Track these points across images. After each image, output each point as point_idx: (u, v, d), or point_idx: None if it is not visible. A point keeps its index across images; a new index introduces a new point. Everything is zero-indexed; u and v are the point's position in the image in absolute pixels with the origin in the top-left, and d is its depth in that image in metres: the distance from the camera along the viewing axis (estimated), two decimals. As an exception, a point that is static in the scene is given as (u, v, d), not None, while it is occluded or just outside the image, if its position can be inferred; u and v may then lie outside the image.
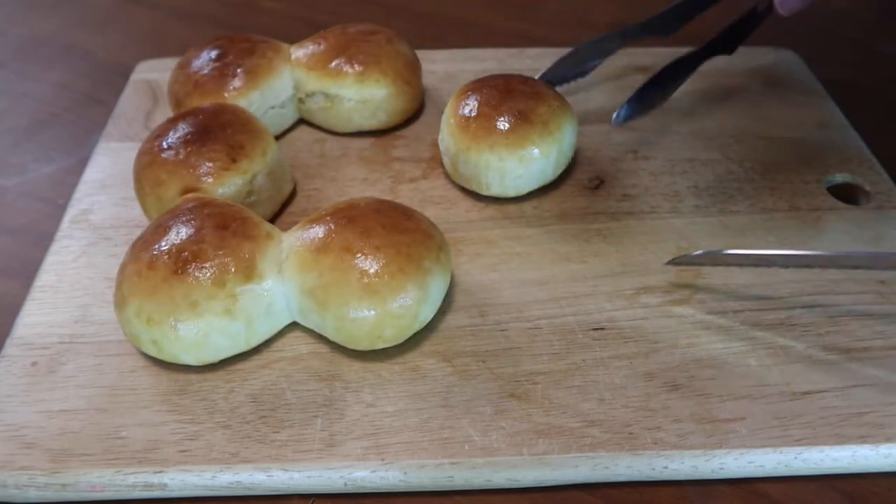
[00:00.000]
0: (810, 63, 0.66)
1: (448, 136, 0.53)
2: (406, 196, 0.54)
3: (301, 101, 0.59)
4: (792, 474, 0.40)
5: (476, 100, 0.52)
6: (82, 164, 0.58)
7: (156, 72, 0.65)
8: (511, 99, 0.52)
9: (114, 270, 0.47)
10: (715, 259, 0.47)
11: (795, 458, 0.39)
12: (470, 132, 0.51)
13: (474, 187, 0.53)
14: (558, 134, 0.52)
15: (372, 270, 0.41)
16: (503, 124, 0.51)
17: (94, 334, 0.45)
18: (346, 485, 0.39)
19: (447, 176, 0.55)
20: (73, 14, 0.79)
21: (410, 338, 0.44)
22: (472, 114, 0.52)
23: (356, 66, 0.57)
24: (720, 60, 0.66)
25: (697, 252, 0.47)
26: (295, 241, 0.44)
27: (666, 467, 0.39)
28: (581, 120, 0.60)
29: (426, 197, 0.54)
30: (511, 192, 0.53)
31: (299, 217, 0.53)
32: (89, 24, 0.77)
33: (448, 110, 0.54)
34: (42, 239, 0.52)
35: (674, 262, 0.48)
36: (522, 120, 0.51)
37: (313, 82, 0.57)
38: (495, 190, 0.52)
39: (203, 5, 0.80)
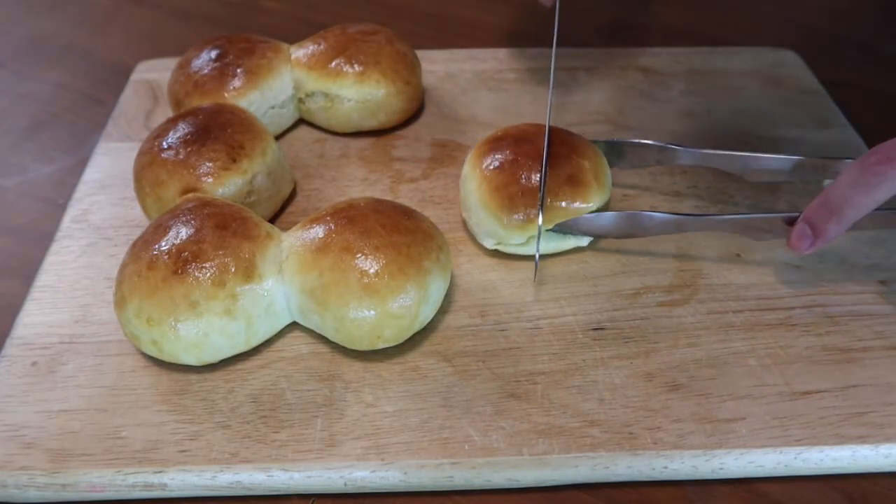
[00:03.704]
0: (810, 63, 0.66)
1: (490, 220, 0.48)
2: (406, 196, 0.54)
3: (301, 101, 0.59)
4: (792, 474, 0.40)
5: (512, 174, 0.47)
6: (82, 164, 0.58)
7: (156, 72, 0.66)
8: (552, 164, 0.48)
9: (114, 270, 0.47)
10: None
11: (795, 458, 0.39)
12: (522, 211, 0.47)
13: (519, 251, 0.49)
14: (605, 181, 0.49)
15: (372, 270, 0.41)
16: (559, 198, 0.47)
17: (94, 334, 0.45)
18: (346, 485, 0.39)
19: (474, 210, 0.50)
20: (73, 14, 0.79)
21: (410, 338, 0.44)
22: (519, 194, 0.47)
23: (356, 66, 0.57)
24: (720, 60, 0.67)
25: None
26: (295, 241, 0.44)
27: (666, 467, 0.39)
28: (581, 120, 0.60)
29: (426, 197, 0.54)
30: (553, 251, 0.49)
31: (299, 217, 0.53)
32: (89, 24, 0.77)
33: (480, 188, 0.48)
34: (42, 239, 0.52)
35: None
36: (576, 184, 0.47)
37: (313, 82, 0.57)
38: (542, 250, 0.48)
39: (203, 5, 0.80)
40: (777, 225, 0.46)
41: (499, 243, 0.49)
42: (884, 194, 0.41)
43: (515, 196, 0.47)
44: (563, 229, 0.48)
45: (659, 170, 0.56)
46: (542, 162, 0.48)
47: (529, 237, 0.48)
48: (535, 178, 0.47)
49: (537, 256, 0.48)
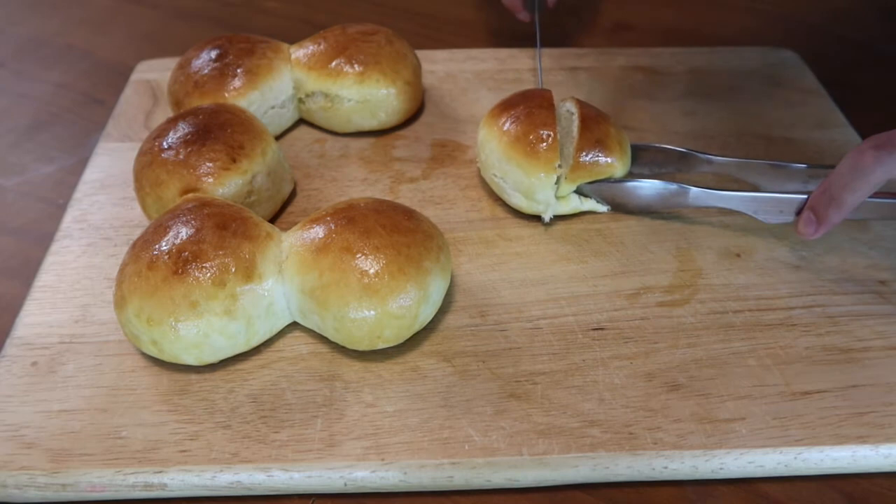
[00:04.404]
0: (810, 63, 0.66)
1: (516, 171, 0.50)
2: (406, 196, 0.54)
3: (301, 101, 0.59)
4: (792, 474, 0.40)
5: (530, 124, 0.50)
6: (82, 164, 0.58)
7: (156, 72, 0.66)
8: (583, 125, 0.50)
9: (114, 270, 0.47)
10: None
11: (795, 458, 0.39)
12: (545, 155, 0.49)
13: (539, 211, 0.51)
14: (628, 152, 0.52)
15: (372, 271, 0.41)
16: (587, 158, 0.50)
17: (94, 334, 0.45)
18: (346, 485, 0.39)
19: (492, 197, 0.54)
20: (74, 14, 0.79)
21: (410, 338, 0.44)
22: (541, 139, 0.49)
23: (356, 66, 0.57)
24: (720, 60, 0.67)
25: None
26: (295, 241, 0.44)
27: (666, 467, 0.39)
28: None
29: (426, 197, 0.54)
30: (571, 212, 0.52)
31: (299, 217, 0.53)
32: (89, 24, 0.77)
33: (501, 143, 0.50)
34: (42, 239, 0.52)
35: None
36: (603, 147, 0.50)
37: (313, 82, 0.57)
38: (562, 210, 0.51)
39: (203, 5, 0.80)
40: (789, 208, 0.48)
41: (527, 199, 0.50)
42: (879, 178, 0.43)
43: (537, 141, 0.49)
44: (591, 193, 0.51)
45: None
46: (555, 112, 0.51)
47: (558, 196, 0.50)
48: (552, 124, 0.50)
49: (550, 212, 0.51)
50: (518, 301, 0.47)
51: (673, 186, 0.50)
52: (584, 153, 0.50)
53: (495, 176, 0.52)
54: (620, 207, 0.52)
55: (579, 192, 0.51)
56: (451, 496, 0.40)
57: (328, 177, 0.56)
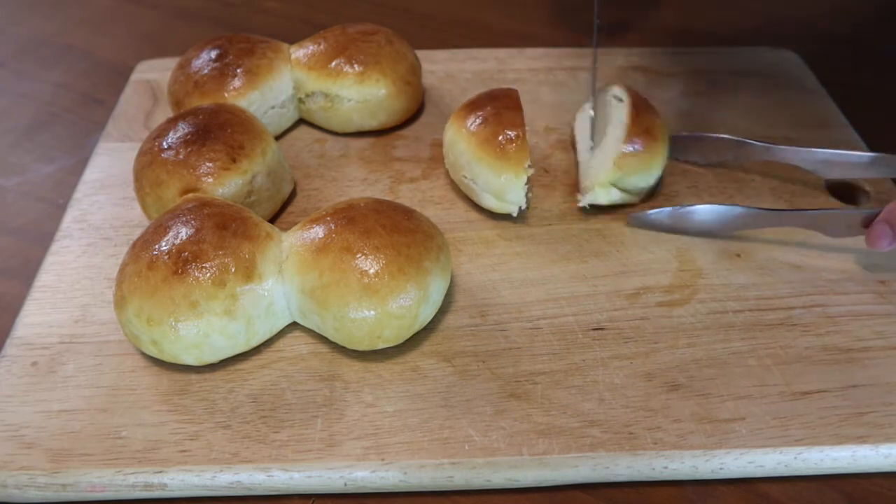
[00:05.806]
0: (810, 63, 0.66)
1: (487, 172, 0.50)
2: (406, 196, 0.54)
3: (301, 101, 0.59)
4: (792, 474, 0.40)
5: (499, 125, 0.50)
6: (82, 164, 0.58)
7: (156, 72, 0.66)
8: (635, 114, 0.50)
9: (114, 270, 0.47)
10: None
11: (795, 458, 0.39)
12: (514, 155, 0.49)
13: (510, 211, 0.51)
14: (667, 142, 0.52)
15: (372, 271, 0.41)
16: (633, 144, 0.49)
17: (94, 334, 0.45)
18: (346, 485, 0.39)
19: (452, 182, 0.55)
20: (74, 14, 0.79)
21: (410, 338, 0.44)
22: (510, 139, 0.49)
23: (356, 66, 0.57)
24: (720, 60, 0.67)
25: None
26: (295, 241, 0.44)
27: (666, 467, 0.39)
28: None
29: (426, 197, 0.54)
30: (605, 202, 0.51)
31: (299, 217, 0.53)
32: (89, 24, 0.77)
33: (471, 144, 0.50)
34: (42, 239, 0.52)
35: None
36: (651, 137, 0.50)
37: (313, 82, 0.57)
38: (601, 200, 0.51)
39: (203, 5, 0.80)
40: (856, 221, 0.47)
41: (498, 199, 0.50)
42: None
43: (507, 142, 0.49)
44: (658, 223, 0.51)
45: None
46: (522, 112, 0.51)
47: (599, 184, 0.50)
48: (521, 124, 0.50)
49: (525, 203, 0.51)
50: (518, 301, 0.47)
51: (739, 210, 0.49)
52: (633, 140, 0.49)
53: (465, 177, 0.52)
54: (681, 231, 0.51)
55: (617, 185, 0.51)
56: (451, 496, 0.40)
57: (328, 177, 0.56)
